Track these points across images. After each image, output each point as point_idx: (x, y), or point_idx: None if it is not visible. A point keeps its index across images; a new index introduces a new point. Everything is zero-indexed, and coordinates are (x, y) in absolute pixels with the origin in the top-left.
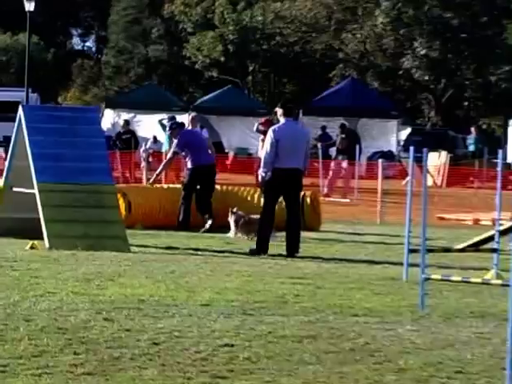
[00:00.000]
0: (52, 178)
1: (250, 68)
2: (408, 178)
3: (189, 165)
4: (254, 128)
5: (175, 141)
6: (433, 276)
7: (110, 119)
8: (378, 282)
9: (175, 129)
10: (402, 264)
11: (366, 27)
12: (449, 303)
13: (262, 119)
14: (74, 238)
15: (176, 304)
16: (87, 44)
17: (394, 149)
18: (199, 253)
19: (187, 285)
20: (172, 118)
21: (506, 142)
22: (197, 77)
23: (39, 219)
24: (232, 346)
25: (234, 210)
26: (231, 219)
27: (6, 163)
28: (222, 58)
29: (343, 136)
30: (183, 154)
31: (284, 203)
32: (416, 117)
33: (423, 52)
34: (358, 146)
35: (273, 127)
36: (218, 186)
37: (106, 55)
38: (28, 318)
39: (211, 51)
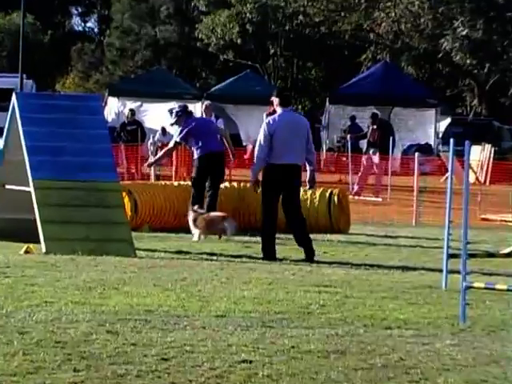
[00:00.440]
0: (49, 174)
1: (271, 51)
2: (447, 175)
3: (195, 155)
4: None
5: (178, 129)
6: (475, 284)
7: (113, 108)
8: (414, 290)
9: (181, 116)
10: (440, 270)
11: (401, 5)
12: (493, 314)
13: (271, 108)
14: (73, 241)
15: (187, 315)
16: (88, 24)
17: (431, 141)
18: (214, 258)
19: (200, 294)
20: (183, 108)
21: None
22: (211, 61)
23: (35, 220)
24: (250, 362)
25: (195, 207)
26: (190, 218)
27: None
28: (239, 40)
29: (374, 127)
30: (188, 145)
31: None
32: (457, 105)
33: (465, 33)
34: (391, 139)
35: (267, 118)
36: (234, 184)
37: (110, 37)
38: (22, 330)
39: (227, 32)
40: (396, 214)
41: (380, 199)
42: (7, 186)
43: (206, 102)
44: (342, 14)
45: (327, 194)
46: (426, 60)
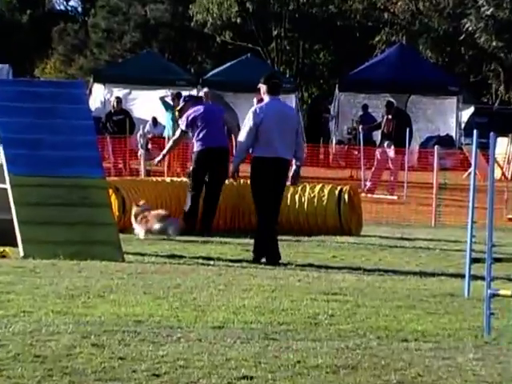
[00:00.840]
0: (27, 169)
1: (274, 32)
2: (470, 170)
3: (195, 147)
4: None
5: (184, 117)
6: (501, 292)
7: (99, 96)
8: (433, 298)
9: (188, 101)
10: (462, 276)
11: None
12: None
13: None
14: (54, 243)
15: (181, 326)
16: (71, 3)
17: (453, 133)
18: (210, 262)
19: (195, 302)
20: (177, 95)
21: None
22: (207, 43)
23: (11, 221)
24: (251, 378)
25: (140, 202)
26: (132, 213)
27: None
28: (238, 20)
29: (389, 117)
30: (192, 133)
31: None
32: (481, 93)
33: (490, 12)
34: (407, 130)
35: (254, 107)
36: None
37: (95, 17)
38: None
39: (224, 11)
40: (413, 213)
41: (395, 197)
42: None
43: (204, 90)
44: None
45: (336, 192)
46: (447, 42)
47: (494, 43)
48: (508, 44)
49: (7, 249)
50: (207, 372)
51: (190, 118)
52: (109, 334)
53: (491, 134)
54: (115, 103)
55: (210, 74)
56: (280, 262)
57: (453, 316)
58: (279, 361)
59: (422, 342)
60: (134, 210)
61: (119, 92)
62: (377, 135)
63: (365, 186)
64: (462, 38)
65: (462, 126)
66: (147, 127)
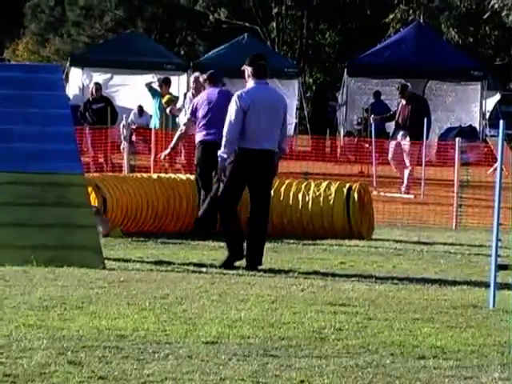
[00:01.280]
0: None
1: (274, 10)
2: (496, 165)
3: (196, 138)
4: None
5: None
6: None
7: (77, 82)
8: (454, 310)
9: (214, 79)
10: (487, 285)
11: None
12: None
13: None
14: (26, 248)
15: (170, 341)
16: None
17: (476, 124)
18: (202, 270)
19: (185, 315)
20: (165, 81)
21: None
22: (199, 22)
23: None
24: None
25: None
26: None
27: None
28: None
29: (403, 102)
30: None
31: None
32: (508, 79)
33: None
34: (425, 119)
35: (239, 92)
36: None
37: None
38: None
39: None
40: (431, 214)
41: (411, 196)
42: None
43: (196, 74)
44: None
45: (345, 190)
46: (470, 22)
47: None
48: None
49: None
50: None
51: (196, 105)
52: (88, 351)
53: None
54: (94, 90)
55: (203, 57)
56: (260, 267)
57: (476, 330)
58: (280, 380)
59: (441, 360)
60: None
61: (99, 77)
62: (390, 126)
63: (376, 183)
64: (486, 16)
65: (487, 115)
66: (131, 117)
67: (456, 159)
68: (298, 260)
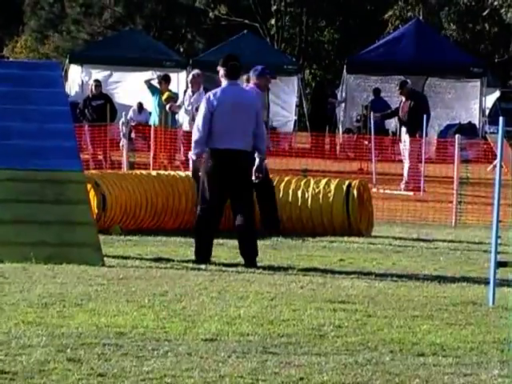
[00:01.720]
0: None
1: (274, 7)
2: (496, 163)
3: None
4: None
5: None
6: None
7: (76, 79)
8: (453, 307)
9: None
10: (486, 283)
11: None
12: None
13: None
14: (25, 245)
15: (169, 339)
16: None
17: (475, 120)
18: (201, 267)
19: (185, 312)
20: (164, 78)
21: None
22: (198, 19)
23: None
24: None
25: None
26: None
27: None
28: None
29: (403, 99)
30: None
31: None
32: (508, 76)
33: None
34: (425, 115)
35: (208, 93)
36: None
37: None
38: None
39: None
40: (431, 211)
41: (411, 193)
42: None
43: (194, 71)
44: None
45: (344, 187)
46: (469, 18)
47: None
48: None
49: None
50: None
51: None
52: (87, 348)
53: None
54: (94, 87)
55: (202, 54)
56: (259, 265)
57: (475, 327)
58: (279, 377)
59: (440, 357)
60: None
61: (99, 74)
62: (390, 123)
63: (375, 181)
64: (486, 13)
65: (486, 112)
66: (130, 113)
67: (455, 156)
68: (298, 257)
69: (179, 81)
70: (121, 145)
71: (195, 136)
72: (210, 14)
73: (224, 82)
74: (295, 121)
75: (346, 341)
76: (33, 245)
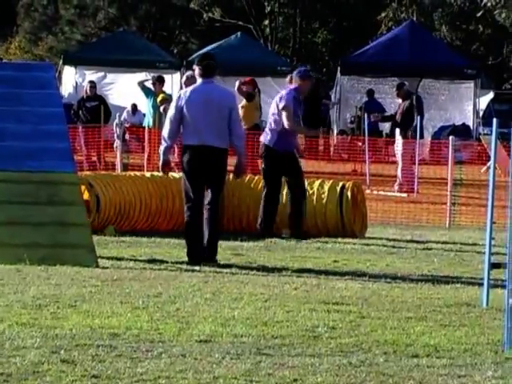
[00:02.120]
0: None
1: (267, 8)
2: (489, 164)
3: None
4: (235, 87)
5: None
6: None
7: (70, 80)
8: (447, 309)
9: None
10: (480, 284)
11: None
12: None
13: (247, 78)
14: (19, 247)
15: (163, 340)
16: None
17: (469, 122)
18: (196, 268)
19: (179, 313)
20: (158, 79)
21: None
22: (192, 20)
23: None
24: None
25: None
26: None
27: None
28: None
29: (400, 101)
30: None
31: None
32: (501, 77)
33: None
34: (419, 116)
35: (178, 91)
36: None
37: None
38: None
39: None
40: (425, 213)
41: (405, 195)
42: None
43: (188, 73)
44: None
45: (338, 188)
46: (463, 20)
47: None
48: None
49: None
50: None
51: None
52: (81, 349)
53: None
54: (88, 88)
55: (195, 55)
56: (220, 263)
57: (469, 328)
58: (273, 379)
59: (434, 358)
60: None
61: (93, 75)
62: (384, 125)
63: (368, 182)
64: (479, 14)
65: (480, 114)
66: (124, 115)
67: (449, 158)
68: (291, 258)
69: (173, 82)
70: (115, 146)
71: (163, 133)
72: (204, 15)
73: (199, 80)
74: None
75: (339, 342)
76: (26, 246)
